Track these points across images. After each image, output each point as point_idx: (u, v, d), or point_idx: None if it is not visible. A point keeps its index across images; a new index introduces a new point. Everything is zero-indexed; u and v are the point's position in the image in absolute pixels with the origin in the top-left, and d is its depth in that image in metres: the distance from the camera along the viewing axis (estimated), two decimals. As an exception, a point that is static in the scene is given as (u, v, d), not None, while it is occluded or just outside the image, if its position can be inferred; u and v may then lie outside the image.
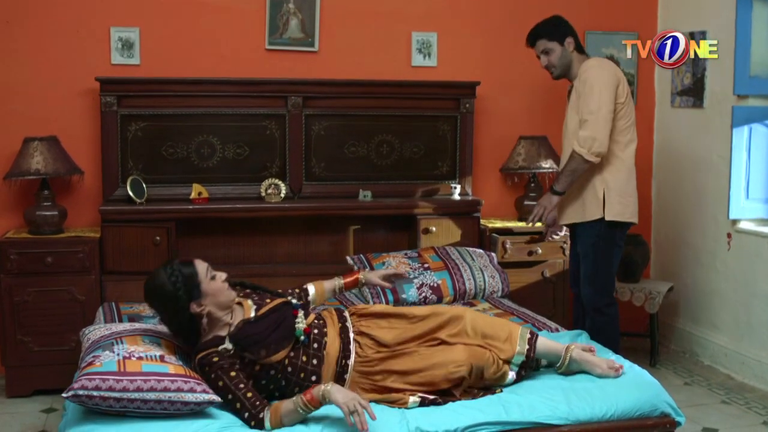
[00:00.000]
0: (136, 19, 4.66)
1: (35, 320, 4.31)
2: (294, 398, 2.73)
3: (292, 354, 2.94)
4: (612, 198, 4.01)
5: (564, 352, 3.17)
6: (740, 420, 4.11)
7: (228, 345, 2.88)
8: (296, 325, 2.98)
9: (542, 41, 4.13)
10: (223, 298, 2.94)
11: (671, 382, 4.61)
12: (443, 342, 3.08)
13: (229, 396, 2.79)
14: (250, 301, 3.07)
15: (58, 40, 4.59)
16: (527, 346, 3.11)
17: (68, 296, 4.33)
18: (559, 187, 4.00)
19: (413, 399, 2.90)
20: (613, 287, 4.21)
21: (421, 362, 2.99)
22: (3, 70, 4.54)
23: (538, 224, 4.21)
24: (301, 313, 3.03)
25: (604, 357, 3.29)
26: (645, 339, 5.10)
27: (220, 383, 2.81)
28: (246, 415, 2.76)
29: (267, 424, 2.72)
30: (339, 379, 2.98)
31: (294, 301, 3.14)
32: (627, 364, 3.24)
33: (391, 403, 2.90)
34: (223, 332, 2.93)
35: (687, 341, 5.15)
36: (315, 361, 2.97)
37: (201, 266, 2.95)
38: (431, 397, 2.92)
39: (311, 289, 3.40)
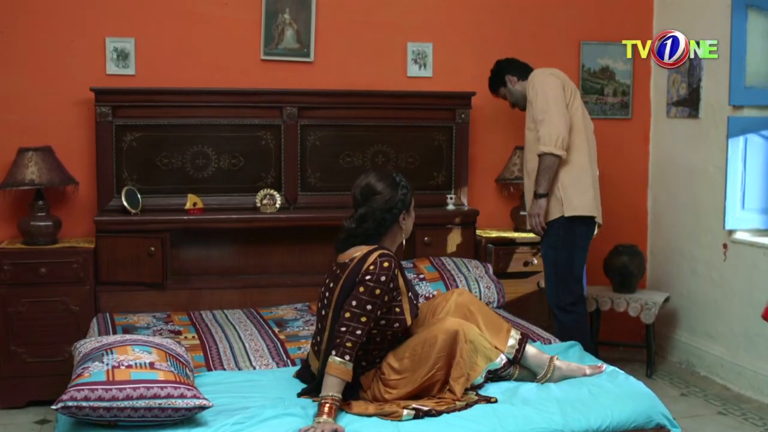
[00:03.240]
0: (131, 30, 4.66)
1: (29, 331, 4.28)
2: (335, 394, 2.83)
3: (404, 329, 3.10)
4: (569, 194, 4.14)
5: (548, 363, 3.22)
6: (737, 431, 4.10)
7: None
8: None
9: (497, 91, 4.58)
10: (411, 227, 3.24)
11: (667, 393, 4.59)
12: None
13: (364, 302, 2.90)
14: None
15: (53, 50, 4.59)
16: (517, 346, 3.22)
17: (62, 307, 4.30)
18: (542, 189, 4.13)
19: (407, 412, 2.88)
20: (579, 286, 4.27)
21: (413, 340, 3.09)
22: (-2, 80, 4.55)
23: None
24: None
25: (590, 363, 3.40)
26: (641, 350, 5.09)
27: (378, 291, 2.92)
28: (343, 329, 2.87)
29: (335, 360, 2.84)
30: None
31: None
32: (622, 376, 3.23)
33: (385, 416, 2.88)
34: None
35: (683, 352, 5.14)
36: (387, 348, 3.09)
37: None
38: (425, 408, 2.90)
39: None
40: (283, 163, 4.76)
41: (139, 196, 4.51)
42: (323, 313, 3.09)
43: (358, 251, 3.06)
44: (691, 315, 5.09)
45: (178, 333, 3.94)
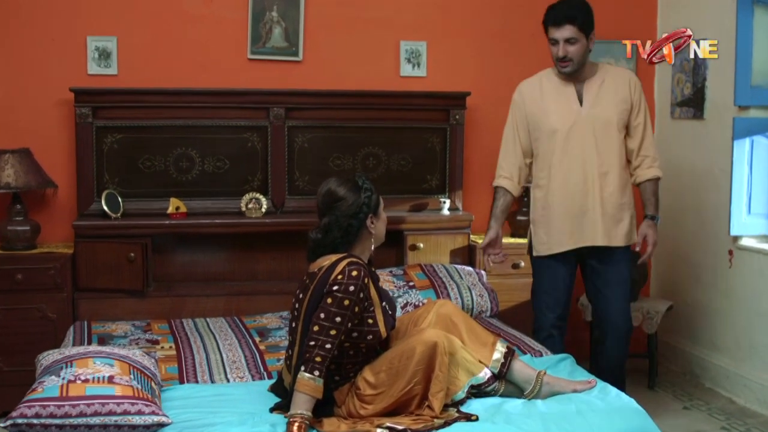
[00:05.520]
0: (113, 28, 4.53)
1: (5, 339, 4.14)
2: (304, 412, 2.70)
3: (379, 341, 2.94)
4: (634, 222, 3.88)
5: (535, 378, 3.05)
6: (740, 448, 3.93)
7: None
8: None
9: (573, 27, 3.58)
10: (383, 231, 3.09)
11: (670, 406, 4.41)
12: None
13: (332, 315, 2.74)
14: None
15: (32, 49, 4.45)
16: (503, 360, 3.05)
17: (39, 314, 4.16)
18: (659, 213, 3.82)
19: (380, 431, 2.71)
20: None
21: (391, 353, 2.93)
22: (-25, 80, 4.41)
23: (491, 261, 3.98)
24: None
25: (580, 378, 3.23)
26: (643, 360, 4.90)
27: (346, 302, 2.76)
28: (312, 343, 2.72)
29: (304, 376, 2.69)
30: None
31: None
32: (614, 392, 3.05)
33: (358, 434, 2.73)
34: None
35: (687, 362, 4.95)
36: (362, 361, 2.93)
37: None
38: (400, 428, 2.73)
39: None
40: (270, 165, 4.60)
41: (120, 200, 4.37)
42: (293, 325, 2.93)
43: (326, 260, 2.91)
44: (695, 324, 4.91)
45: (156, 342, 3.79)
